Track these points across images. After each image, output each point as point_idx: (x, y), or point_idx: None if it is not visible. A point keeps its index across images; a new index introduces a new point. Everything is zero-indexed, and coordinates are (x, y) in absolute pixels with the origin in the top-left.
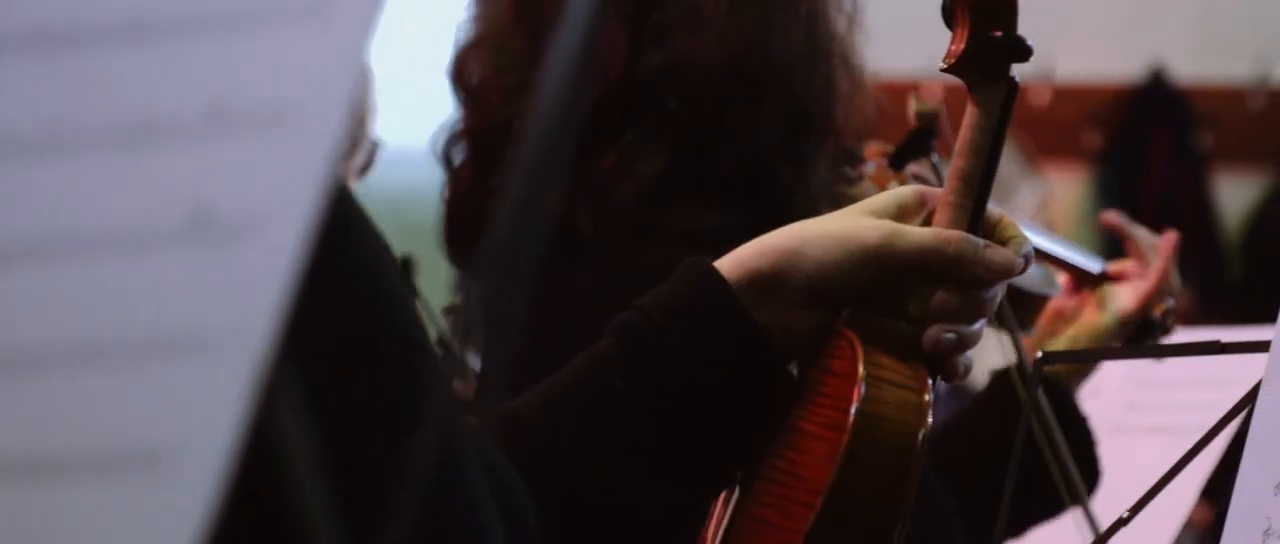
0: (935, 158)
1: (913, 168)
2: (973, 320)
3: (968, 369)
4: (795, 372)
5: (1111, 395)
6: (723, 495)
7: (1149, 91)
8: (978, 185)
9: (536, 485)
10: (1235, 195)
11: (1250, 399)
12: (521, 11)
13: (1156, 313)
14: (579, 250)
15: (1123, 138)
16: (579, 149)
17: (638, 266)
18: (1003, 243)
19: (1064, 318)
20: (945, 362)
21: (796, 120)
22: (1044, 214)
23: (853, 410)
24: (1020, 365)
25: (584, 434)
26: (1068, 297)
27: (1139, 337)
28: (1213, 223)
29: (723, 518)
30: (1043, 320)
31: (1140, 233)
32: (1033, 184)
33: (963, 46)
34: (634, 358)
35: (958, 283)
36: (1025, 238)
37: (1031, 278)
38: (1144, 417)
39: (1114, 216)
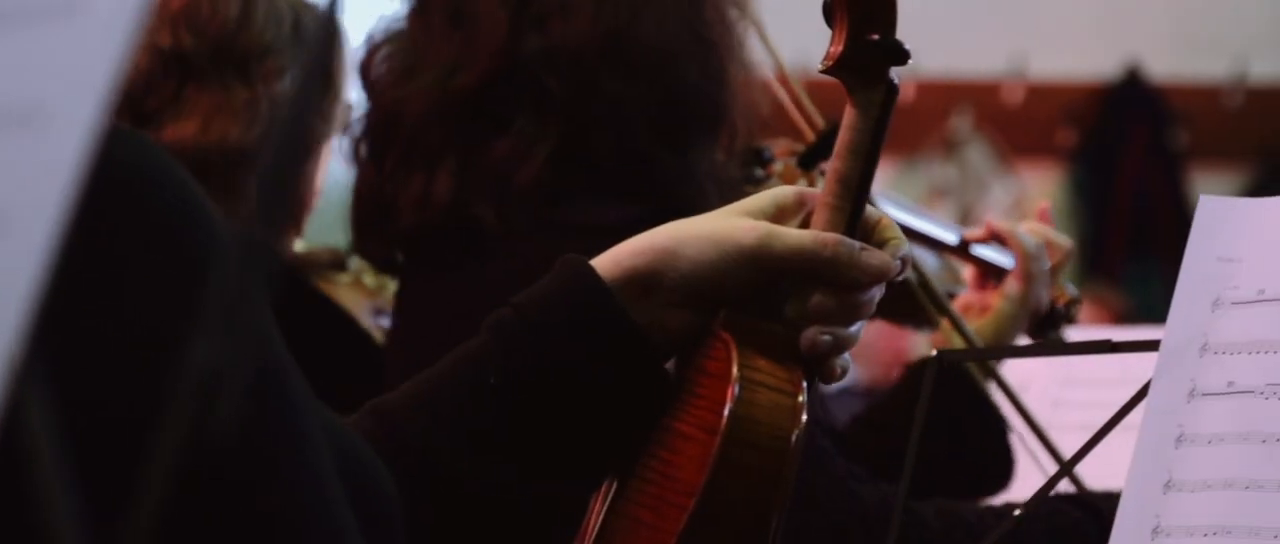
0: None
1: (823, 167)
2: (850, 322)
3: (845, 371)
4: (672, 371)
5: (1038, 392)
6: (600, 493)
7: (1125, 89)
8: (856, 187)
9: (411, 482)
10: (1211, 193)
11: (1140, 397)
12: (420, 2)
13: (1059, 303)
14: (482, 246)
15: (1098, 135)
16: (470, 136)
17: (540, 262)
18: (880, 245)
19: (972, 312)
20: (822, 364)
21: (678, 107)
22: (1018, 212)
23: (725, 412)
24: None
25: (459, 432)
26: (976, 292)
27: (1042, 327)
28: (1188, 221)
29: (599, 516)
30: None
31: (1007, 227)
32: (1006, 182)
33: (841, 49)
34: (508, 356)
35: (834, 285)
36: (903, 240)
37: (939, 279)
38: (1069, 414)
39: (993, 224)
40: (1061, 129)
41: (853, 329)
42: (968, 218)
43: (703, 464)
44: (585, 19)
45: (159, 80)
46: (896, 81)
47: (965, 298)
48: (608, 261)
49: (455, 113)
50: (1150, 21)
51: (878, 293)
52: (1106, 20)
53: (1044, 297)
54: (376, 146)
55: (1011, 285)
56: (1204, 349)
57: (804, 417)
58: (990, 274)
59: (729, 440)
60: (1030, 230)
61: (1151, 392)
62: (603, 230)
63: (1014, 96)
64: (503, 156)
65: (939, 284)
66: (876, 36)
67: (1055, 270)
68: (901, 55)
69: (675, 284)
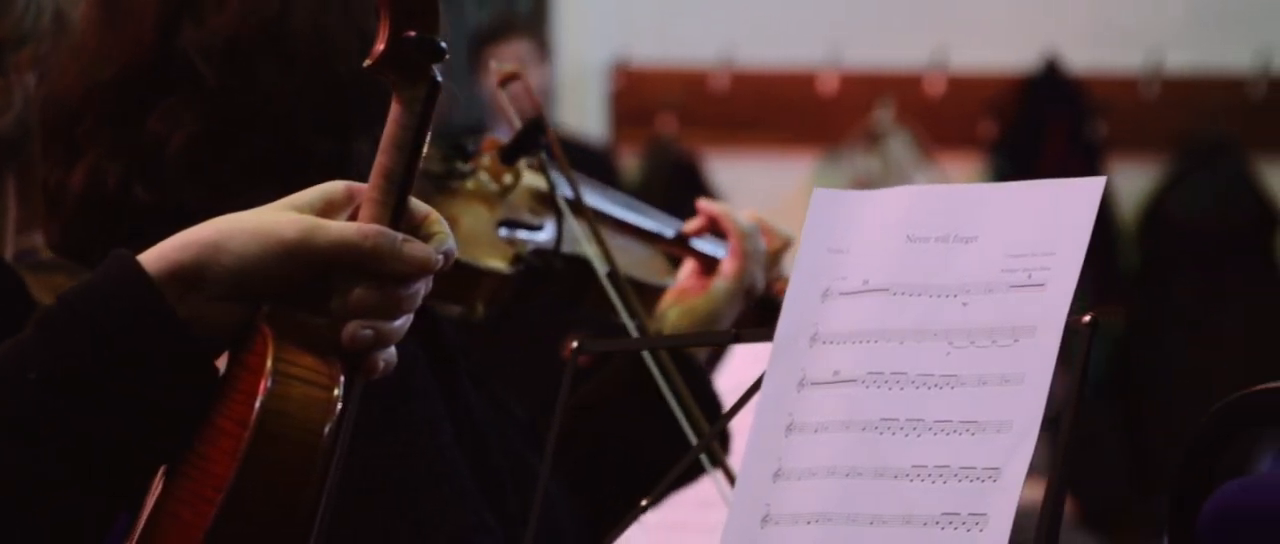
0: (546, 154)
1: (527, 161)
2: (393, 317)
3: (389, 365)
4: (224, 367)
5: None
6: (154, 488)
7: (1044, 81)
8: (400, 182)
9: None
10: (1130, 184)
11: (756, 389)
12: None
13: (778, 291)
14: (141, 233)
15: (1018, 127)
16: (120, 121)
17: None
18: (426, 239)
19: (686, 296)
20: (363, 358)
21: (340, 96)
22: None
23: (256, 406)
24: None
25: (3, 426)
26: (695, 279)
27: (761, 314)
28: (1108, 211)
29: (146, 512)
30: (665, 301)
31: (721, 209)
32: (928, 174)
33: (382, 46)
34: (50, 349)
35: (377, 279)
36: (447, 234)
37: (649, 272)
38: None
39: (706, 207)
40: (983, 121)
41: (397, 324)
42: None
43: (233, 458)
44: (234, 10)
45: None
46: (439, 78)
47: (683, 286)
48: (153, 256)
49: (102, 101)
50: (1068, 13)
51: (423, 287)
52: (1026, 12)
53: (760, 278)
54: (44, 144)
55: (727, 264)
56: (814, 339)
57: (338, 410)
58: (708, 267)
59: (258, 434)
60: (748, 216)
61: (765, 382)
62: None
63: (936, 88)
64: (153, 133)
65: (650, 276)
66: (414, 34)
67: (774, 257)
68: (439, 52)
69: (220, 278)
